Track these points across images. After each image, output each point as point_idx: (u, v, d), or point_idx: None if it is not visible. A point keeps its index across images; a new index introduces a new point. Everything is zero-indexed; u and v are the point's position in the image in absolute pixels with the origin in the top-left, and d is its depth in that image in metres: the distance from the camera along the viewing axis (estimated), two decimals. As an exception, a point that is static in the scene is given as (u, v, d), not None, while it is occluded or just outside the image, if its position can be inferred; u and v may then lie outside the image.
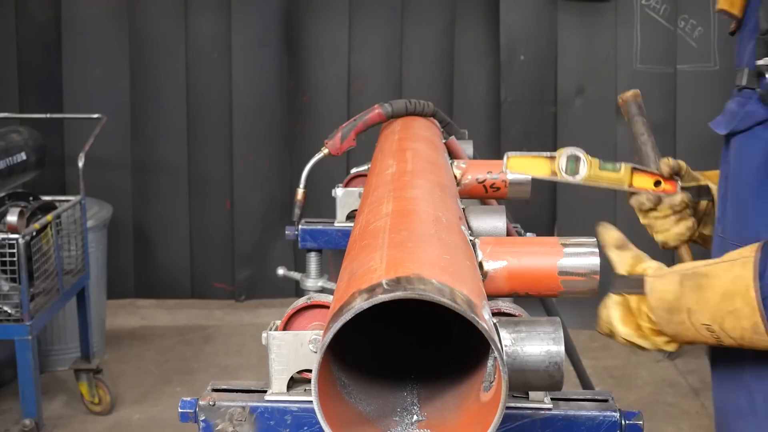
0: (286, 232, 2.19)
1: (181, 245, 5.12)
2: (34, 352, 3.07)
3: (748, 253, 1.24)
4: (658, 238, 1.67)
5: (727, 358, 1.47)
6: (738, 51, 1.45)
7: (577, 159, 1.58)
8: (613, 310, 1.41)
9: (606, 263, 1.37)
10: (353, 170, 2.21)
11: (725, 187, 1.49)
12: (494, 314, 1.20)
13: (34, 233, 3.12)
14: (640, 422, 1.16)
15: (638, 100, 1.79)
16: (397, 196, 1.37)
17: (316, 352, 1.06)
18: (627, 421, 1.16)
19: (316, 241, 2.17)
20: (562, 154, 1.60)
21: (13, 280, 3.04)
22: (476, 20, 4.93)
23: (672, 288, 1.31)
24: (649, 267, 1.40)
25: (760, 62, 1.29)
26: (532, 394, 1.16)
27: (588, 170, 1.60)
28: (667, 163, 1.63)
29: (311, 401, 0.91)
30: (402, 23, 4.99)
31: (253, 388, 1.20)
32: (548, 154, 1.62)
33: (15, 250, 3.00)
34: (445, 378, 1.11)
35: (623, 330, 1.40)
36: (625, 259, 1.42)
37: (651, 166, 1.68)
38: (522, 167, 1.60)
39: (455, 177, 1.77)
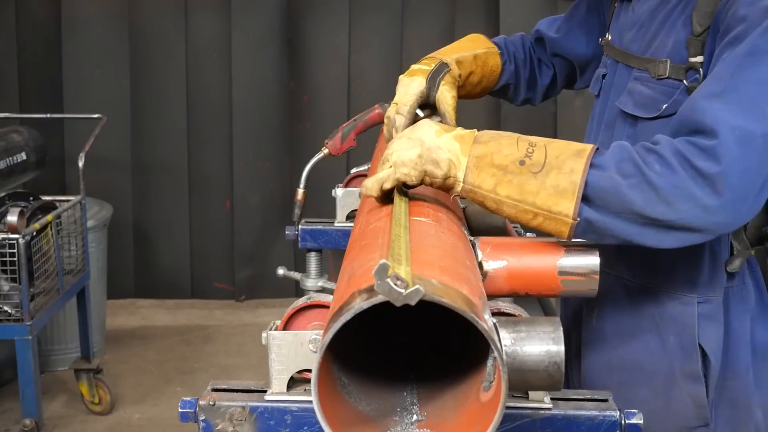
0: (286, 232, 2.19)
1: (181, 245, 5.12)
2: (34, 352, 3.07)
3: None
4: None
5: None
6: (644, 38, 1.54)
7: None
8: (429, 124, 1.35)
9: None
10: (353, 170, 2.21)
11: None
12: (494, 314, 1.20)
13: (34, 233, 3.12)
14: (640, 422, 1.16)
15: None
16: (397, 196, 1.37)
17: (316, 352, 1.06)
18: (627, 421, 1.16)
19: (316, 241, 2.17)
20: None
21: (13, 280, 3.04)
22: (476, 20, 4.93)
23: (507, 132, 1.33)
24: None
25: (693, 59, 1.41)
26: (531, 394, 1.16)
27: None
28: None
29: (311, 401, 0.91)
30: (402, 23, 4.99)
31: (253, 388, 1.20)
32: None
33: (15, 250, 3.00)
34: (444, 378, 1.11)
35: (428, 129, 1.32)
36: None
37: None
38: None
39: (455, 177, 1.77)
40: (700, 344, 1.47)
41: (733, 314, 1.51)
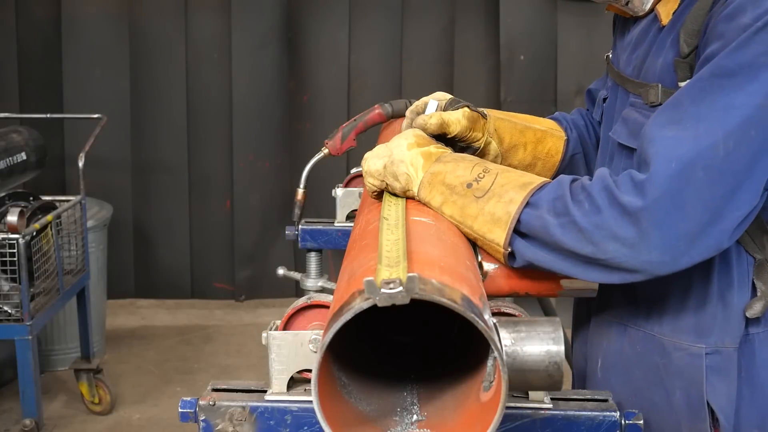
0: (286, 232, 2.19)
1: (181, 245, 5.12)
2: (34, 352, 3.07)
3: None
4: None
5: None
6: (636, 60, 1.42)
7: None
8: (407, 136, 1.37)
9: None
10: (353, 170, 2.21)
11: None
12: (494, 314, 1.20)
13: (35, 233, 3.12)
14: (640, 422, 1.16)
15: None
16: (397, 196, 1.37)
17: (316, 352, 1.06)
18: (627, 421, 1.16)
19: (316, 241, 2.17)
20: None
21: (14, 280, 3.04)
22: (476, 20, 4.93)
23: (473, 158, 1.33)
24: None
25: (683, 84, 1.28)
26: (531, 394, 1.16)
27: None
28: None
29: (311, 401, 0.91)
30: (402, 23, 4.98)
31: (253, 388, 1.20)
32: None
33: (15, 250, 3.00)
34: (445, 378, 1.11)
35: (403, 141, 1.34)
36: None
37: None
38: None
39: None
40: (707, 401, 1.34)
41: (760, 366, 1.34)
